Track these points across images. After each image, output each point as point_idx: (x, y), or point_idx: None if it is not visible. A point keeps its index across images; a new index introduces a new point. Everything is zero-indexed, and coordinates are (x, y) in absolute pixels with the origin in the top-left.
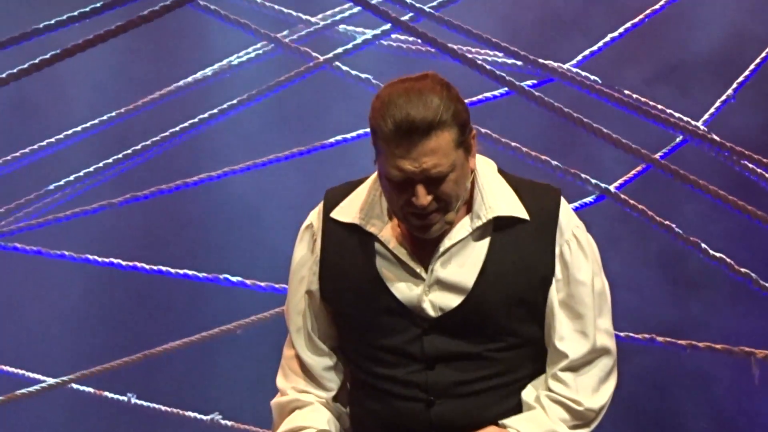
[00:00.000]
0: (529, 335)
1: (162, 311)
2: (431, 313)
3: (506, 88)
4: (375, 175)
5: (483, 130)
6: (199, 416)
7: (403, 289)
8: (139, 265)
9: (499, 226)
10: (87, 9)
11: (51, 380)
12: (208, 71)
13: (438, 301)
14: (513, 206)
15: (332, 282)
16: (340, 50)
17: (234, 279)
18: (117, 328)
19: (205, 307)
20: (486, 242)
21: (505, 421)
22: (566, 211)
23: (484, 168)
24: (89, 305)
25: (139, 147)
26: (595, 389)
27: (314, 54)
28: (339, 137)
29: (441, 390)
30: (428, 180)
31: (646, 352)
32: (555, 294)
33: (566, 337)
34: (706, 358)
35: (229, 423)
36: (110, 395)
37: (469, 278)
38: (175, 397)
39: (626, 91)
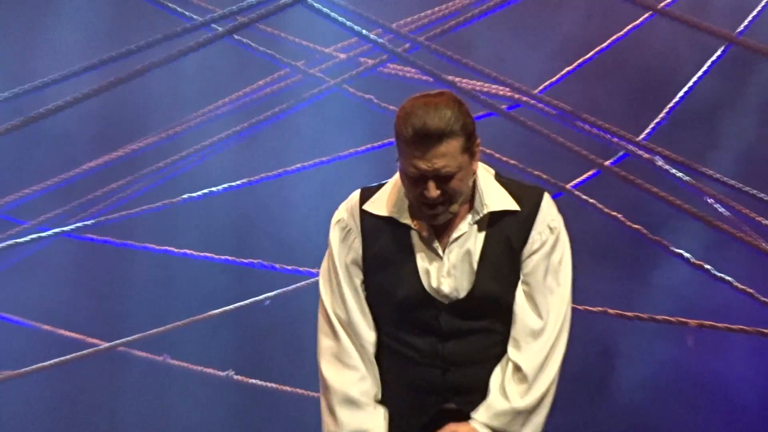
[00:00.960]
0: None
1: (205, 287)
2: (446, 299)
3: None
4: (397, 175)
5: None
6: (216, 372)
7: (429, 276)
8: (189, 251)
9: (493, 220)
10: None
11: (106, 344)
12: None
13: (450, 290)
14: (505, 202)
15: (375, 271)
16: (346, 75)
17: (266, 263)
18: (162, 301)
19: (240, 285)
20: (483, 234)
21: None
22: (548, 206)
23: (485, 173)
24: (144, 282)
25: (191, 149)
26: (545, 360)
27: (326, 78)
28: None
29: (454, 359)
30: (438, 177)
31: (595, 324)
32: (536, 267)
33: (535, 315)
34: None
35: (240, 378)
36: (147, 355)
37: (471, 268)
38: (203, 356)
39: (584, 115)
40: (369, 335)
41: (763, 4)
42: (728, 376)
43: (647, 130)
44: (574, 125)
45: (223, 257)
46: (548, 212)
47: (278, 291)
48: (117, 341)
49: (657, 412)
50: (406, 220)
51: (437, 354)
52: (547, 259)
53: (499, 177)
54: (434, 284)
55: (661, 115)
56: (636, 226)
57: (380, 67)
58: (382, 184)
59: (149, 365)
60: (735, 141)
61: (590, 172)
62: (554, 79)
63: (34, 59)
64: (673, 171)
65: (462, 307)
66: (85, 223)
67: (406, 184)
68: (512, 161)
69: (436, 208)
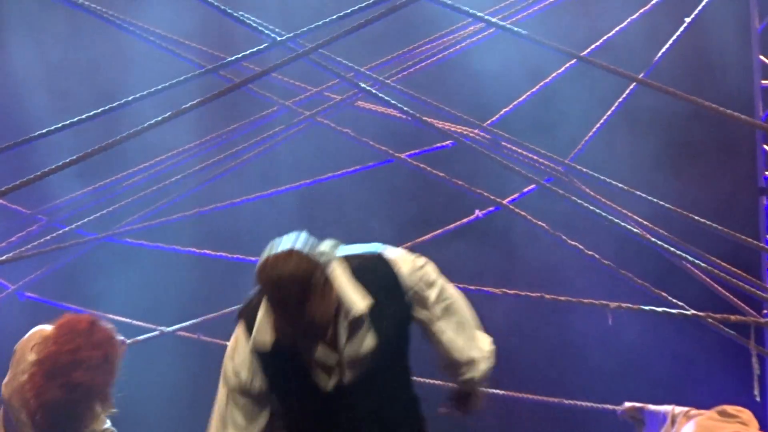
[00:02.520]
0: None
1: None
2: (349, 378)
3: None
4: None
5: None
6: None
7: (319, 380)
8: (209, 251)
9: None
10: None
11: (163, 328)
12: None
13: (351, 366)
14: (361, 299)
15: (280, 379)
16: (320, 108)
17: None
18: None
19: None
20: (365, 331)
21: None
22: (400, 266)
23: (340, 284)
24: (181, 278)
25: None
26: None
27: (303, 111)
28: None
29: (379, 408)
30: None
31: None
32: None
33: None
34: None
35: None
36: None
37: (366, 361)
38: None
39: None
40: None
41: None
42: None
43: (575, 151)
44: (514, 152)
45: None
46: (406, 270)
47: None
48: (175, 326)
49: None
50: (281, 343)
51: (364, 411)
52: (432, 306)
53: (343, 260)
54: (325, 385)
55: (586, 138)
56: (557, 234)
57: (350, 101)
58: (255, 301)
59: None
60: None
61: (528, 188)
62: (505, 110)
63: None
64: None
65: (369, 376)
66: (129, 228)
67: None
68: (460, 182)
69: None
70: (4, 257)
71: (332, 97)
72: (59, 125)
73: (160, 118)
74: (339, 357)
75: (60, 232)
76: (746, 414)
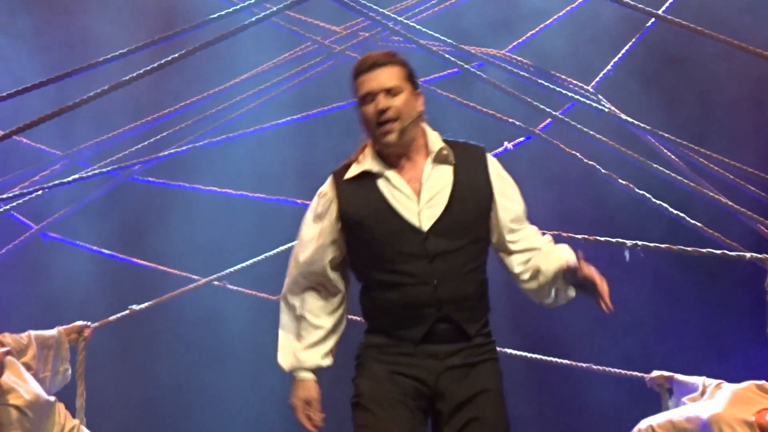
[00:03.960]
0: (484, 234)
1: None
2: (426, 225)
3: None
4: (354, 152)
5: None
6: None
7: (405, 210)
8: (231, 190)
9: (449, 160)
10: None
11: (204, 279)
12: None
13: (428, 216)
14: (453, 147)
15: (353, 218)
16: (350, 43)
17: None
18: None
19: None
20: (446, 170)
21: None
22: (490, 157)
23: (431, 131)
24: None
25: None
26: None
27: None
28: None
29: (440, 276)
30: (385, 92)
31: None
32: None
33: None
34: None
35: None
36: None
37: (444, 198)
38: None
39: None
40: (339, 286)
41: None
42: None
43: (596, 80)
44: (533, 80)
45: (277, 197)
46: (492, 159)
47: None
48: (211, 276)
49: None
50: (378, 168)
51: (428, 273)
52: (514, 207)
53: (444, 139)
54: (412, 217)
55: (608, 67)
56: (591, 163)
57: (378, 39)
58: (352, 159)
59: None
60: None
61: (548, 120)
62: (521, 39)
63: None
64: (622, 116)
65: (440, 232)
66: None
67: (363, 111)
68: (489, 110)
69: (387, 125)
70: (26, 197)
71: (361, 34)
72: (84, 65)
73: (183, 51)
74: (420, 191)
75: (84, 172)
76: None
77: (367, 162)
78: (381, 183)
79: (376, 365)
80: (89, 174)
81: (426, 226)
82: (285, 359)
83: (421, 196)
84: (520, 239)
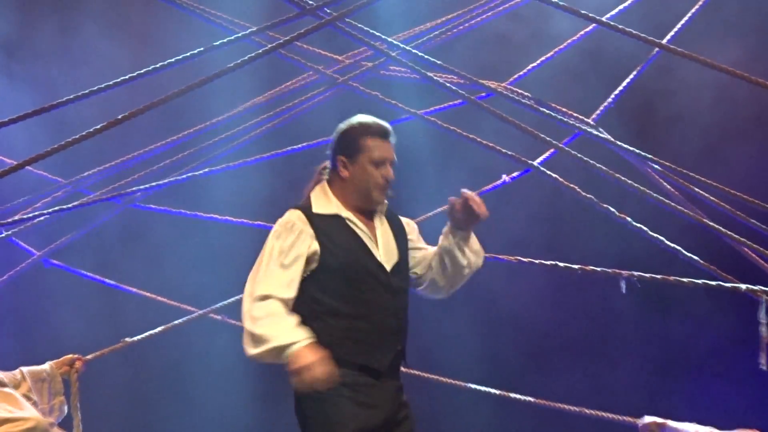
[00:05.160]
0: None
1: None
2: (388, 265)
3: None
4: (315, 189)
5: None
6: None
7: (375, 251)
8: (230, 218)
9: (384, 212)
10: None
11: (199, 311)
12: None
13: (389, 261)
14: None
15: (331, 253)
16: (352, 74)
17: None
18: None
19: None
20: (385, 221)
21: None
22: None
23: None
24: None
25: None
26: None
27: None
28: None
29: (400, 308)
30: (391, 163)
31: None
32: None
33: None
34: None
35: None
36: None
37: (394, 244)
38: None
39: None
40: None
41: (689, 14)
42: None
43: (597, 112)
44: (538, 110)
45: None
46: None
47: None
48: (208, 309)
49: None
50: (348, 215)
51: (394, 306)
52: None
53: None
54: (379, 258)
55: (609, 100)
56: (589, 196)
57: (380, 69)
58: (307, 199)
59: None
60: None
61: (549, 151)
62: (522, 72)
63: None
64: (623, 146)
65: (397, 271)
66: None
67: (370, 171)
68: (489, 143)
69: (387, 189)
70: (28, 222)
71: (365, 64)
72: (86, 91)
73: (195, 83)
74: (376, 236)
75: (85, 198)
76: None
77: (333, 206)
78: (351, 226)
79: (343, 399)
80: (91, 200)
81: (388, 267)
82: (289, 336)
83: (378, 241)
84: (421, 264)
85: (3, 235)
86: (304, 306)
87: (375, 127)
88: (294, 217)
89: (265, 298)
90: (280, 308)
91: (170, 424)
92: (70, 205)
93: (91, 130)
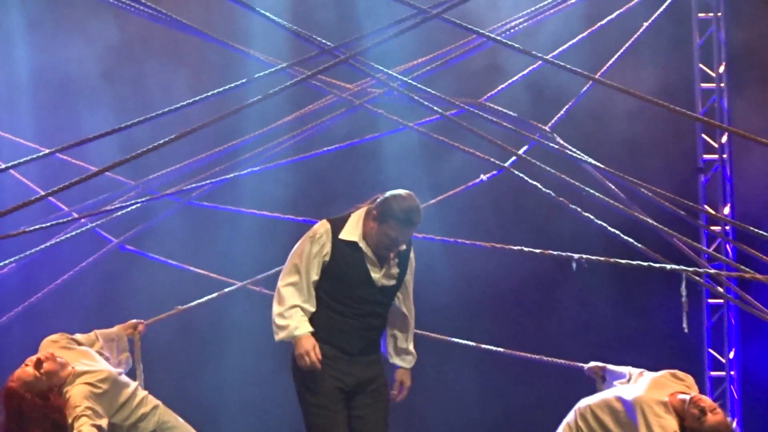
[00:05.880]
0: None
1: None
2: (379, 285)
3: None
4: (357, 213)
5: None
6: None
7: (374, 275)
8: (267, 213)
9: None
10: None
11: (241, 283)
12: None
13: (384, 282)
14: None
15: (340, 272)
16: (365, 98)
17: None
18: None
19: None
20: (397, 261)
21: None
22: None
23: None
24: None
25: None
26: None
27: (354, 100)
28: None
29: (381, 315)
30: (404, 242)
31: None
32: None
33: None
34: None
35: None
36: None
37: (394, 274)
38: None
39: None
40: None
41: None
42: None
43: (552, 121)
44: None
45: (303, 218)
46: (413, 255)
47: None
48: (248, 281)
49: None
50: (363, 245)
51: (376, 314)
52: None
53: None
54: (376, 279)
55: (562, 112)
56: (547, 191)
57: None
58: (345, 218)
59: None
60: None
61: (513, 158)
62: (497, 89)
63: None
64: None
65: (388, 291)
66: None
67: (385, 240)
68: (469, 149)
69: (392, 252)
70: (110, 214)
71: (372, 91)
72: (158, 112)
73: (233, 109)
74: (385, 266)
75: (151, 197)
76: (690, 380)
77: (356, 235)
78: (363, 253)
79: (323, 367)
80: (157, 198)
81: (382, 287)
82: (285, 330)
83: (382, 268)
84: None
85: (89, 226)
86: (318, 292)
87: (405, 217)
88: (322, 231)
89: (287, 304)
90: (299, 311)
91: (211, 376)
92: (142, 200)
93: (161, 142)
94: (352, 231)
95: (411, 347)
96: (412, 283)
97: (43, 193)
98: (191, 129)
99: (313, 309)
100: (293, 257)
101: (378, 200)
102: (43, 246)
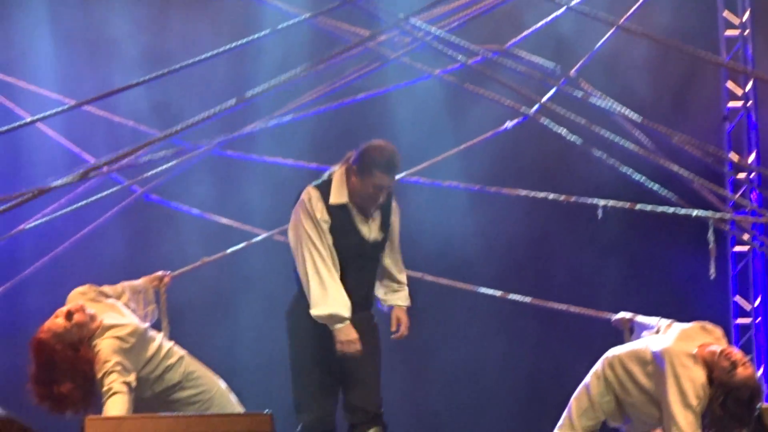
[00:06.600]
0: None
1: None
2: (371, 241)
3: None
4: (340, 176)
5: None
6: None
7: (364, 231)
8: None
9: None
10: None
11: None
12: None
13: (375, 236)
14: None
15: (336, 232)
16: (403, 50)
17: None
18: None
19: None
20: (381, 210)
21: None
22: (394, 202)
23: None
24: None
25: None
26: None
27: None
28: None
29: (373, 269)
30: (387, 188)
31: None
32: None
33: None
34: None
35: None
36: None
37: (382, 229)
38: None
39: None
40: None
41: None
42: None
43: (576, 67)
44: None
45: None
46: (396, 203)
47: None
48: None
49: None
50: (350, 204)
51: (367, 268)
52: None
53: None
54: (367, 236)
55: (586, 57)
56: (573, 138)
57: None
58: (328, 181)
59: None
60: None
61: (536, 105)
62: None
63: None
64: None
65: (378, 245)
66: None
67: (370, 191)
68: (493, 95)
69: (377, 204)
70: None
71: (401, 39)
72: (188, 62)
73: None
74: (371, 220)
75: (178, 147)
76: (719, 332)
77: (344, 195)
78: (352, 212)
79: (314, 324)
80: (178, 150)
81: (372, 241)
82: (334, 309)
83: (370, 223)
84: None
85: (126, 184)
86: None
87: (385, 164)
88: (315, 199)
89: (326, 266)
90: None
91: (232, 326)
92: (165, 152)
93: (232, 101)
94: (338, 193)
95: (403, 287)
96: (398, 230)
97: (66, 142)
98: (251, 94)
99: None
100: (302, 235)
101: (354, 155)
102: (77, 205)
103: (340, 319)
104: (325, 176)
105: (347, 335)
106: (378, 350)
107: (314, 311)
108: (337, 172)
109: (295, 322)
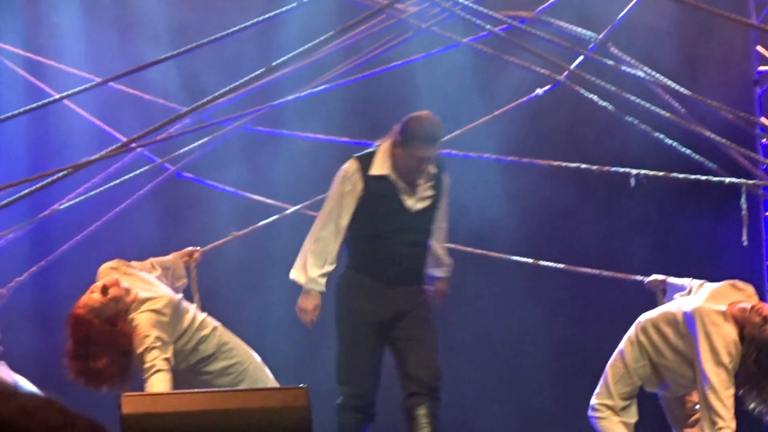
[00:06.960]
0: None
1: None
2: (413, 211)
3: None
4: (385, 149)
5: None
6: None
7: (408, 202)
8: (322, 135)
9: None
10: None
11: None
12: None
13: (419, 206)
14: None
15: (374, 204)
16: (433, 21)
17: None
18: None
19: None
20: (430, 184)
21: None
22: (446, 176)
23: None
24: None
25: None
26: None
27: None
28: None
29: (418, 242)
30: (431, 158)
31: None
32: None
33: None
34: None
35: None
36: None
37: (427, 199)
38: None
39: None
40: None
41: None
42: None
43: (605, 31)
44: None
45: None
46: (447, 178)
47: None
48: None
49: None
50: (394, 176)
51: (410, 241)
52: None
53: None
54: (410, 207)
55: (615, 21)
56: (604, 104)
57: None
58: (372, 153)
59: None
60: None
61: (565, 73)
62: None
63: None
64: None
65: (422, 217)
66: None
67: (413, 162)
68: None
69: (423, 172)
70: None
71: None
72: (208, 39)
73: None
74: (418, 191)
75: (208, 123)
76: (750, 289)
77: (387, 167)
78: (394, 183)
79: (360, 296)
80: (209, 125)
81: (416, 212)
82: (301, 276)
83: (415, 194)
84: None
85: (158, 162)
86: (353, 229)
87: (426, 135)
88: (353, 170)
89: (320, 239)
90: (327, 266)
91: (262, 297)
92: (194, 127)
93: (258, 72)
94: (381, 165)
95: (446, 257)
96: (447, 202)
97: (97, 121)
98: (279, 62)
99: (334, 264)
100: (327, 201)
101: (398, 127)
102: (110, 184)
103: (301, 286)
104: (372, 148)
105: (302, 303)
106: (429, 324)
107: (290, 274)
108: (383, 145)
109: (347, 290)
